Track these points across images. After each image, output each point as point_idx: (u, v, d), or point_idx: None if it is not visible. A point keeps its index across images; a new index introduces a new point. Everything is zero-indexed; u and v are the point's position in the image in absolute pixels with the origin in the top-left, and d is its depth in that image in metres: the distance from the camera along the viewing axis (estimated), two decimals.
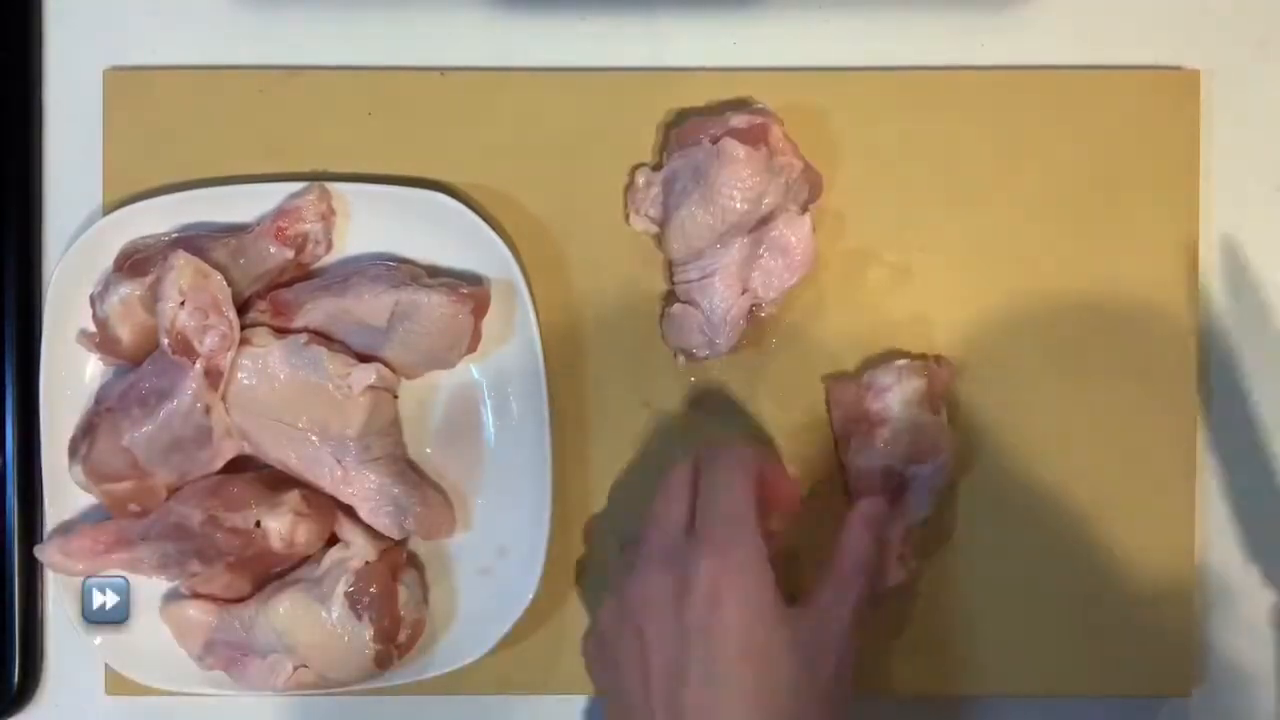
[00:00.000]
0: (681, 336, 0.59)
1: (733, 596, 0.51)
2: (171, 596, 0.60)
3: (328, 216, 0.59)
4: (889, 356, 0.60)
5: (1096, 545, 0.60)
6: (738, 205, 0.56)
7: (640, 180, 0.59)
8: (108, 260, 0.59)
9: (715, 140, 0.57)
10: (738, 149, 0.56)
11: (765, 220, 0.58)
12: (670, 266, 0.60)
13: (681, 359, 0.60)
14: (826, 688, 0.52)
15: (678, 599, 0.51)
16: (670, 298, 0.60)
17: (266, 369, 0.57)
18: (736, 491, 0.53)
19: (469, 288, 0.58)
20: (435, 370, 0.60)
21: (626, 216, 0.60)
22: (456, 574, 0.60)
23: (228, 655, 0.58)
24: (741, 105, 0.59)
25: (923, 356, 0.60)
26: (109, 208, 0.60)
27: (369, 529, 0.58)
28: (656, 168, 0.60)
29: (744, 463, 0.55)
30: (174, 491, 0.58)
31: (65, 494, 0.59)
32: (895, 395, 0.58)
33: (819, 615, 0.53)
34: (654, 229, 0.59)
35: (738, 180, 0.56)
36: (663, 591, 0.52)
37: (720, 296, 0.58)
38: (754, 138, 0.56)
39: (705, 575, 0.51)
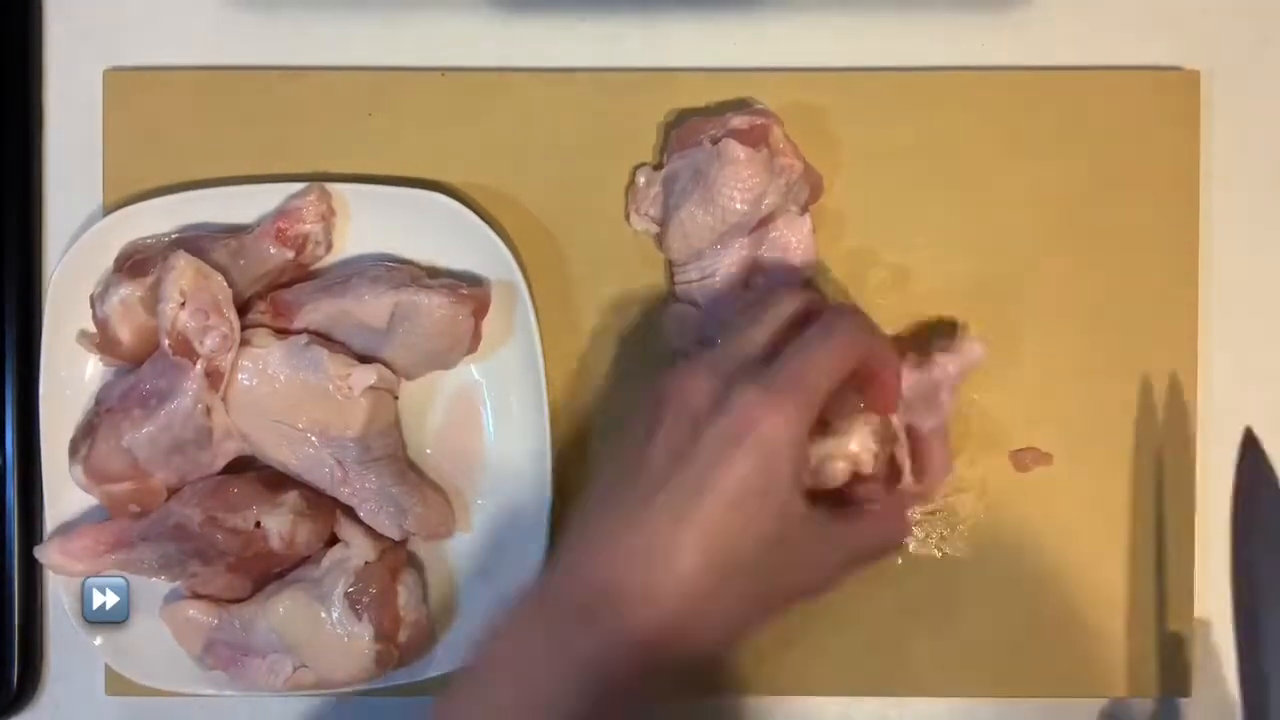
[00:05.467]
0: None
1: (754, 444, 0.49)
2: (171, 596, 0.60)
3: (328, 217, 0.59)
4: None
5: (1097, 545, 0.60)
6: (738, 206, 0.56)
7: (641, 180, 0.59)
8: (108, 260, 0.59)
9: (715, 141, 0.57)
10: (738, 150, 0.56)
11: (765, 221, 0.57)
12: (670, 266, 0.60)
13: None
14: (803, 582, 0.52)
15: (707, 411, 0.50)
16: (670, 298, 0.60)
17: (267, 370, 0.57)
18: (831, 362, 0.51)
19: (469, 288, 0.58)
20: (435, 370, 0.60)
21: (627, 216, 0.60)
22: (456, 574, 0.60)
23: (228, 655, 0.58)
24: (741, 105, 0.59)
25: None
26: (109, 208, 0.60)
27: (369, 529, 0.58)
28: (657, 167, 0.59)
29: (858, 342, 0.52)
30: (174, 492, 0.58)
31: (65, 494, 0.59)
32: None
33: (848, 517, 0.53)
34: (654, 229, 0.59)
35: (738, 181, 0.56)
36: (698, 396, 0.50)
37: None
38: (754, 138, 0.56)
39: (740, 410, 0.49)
